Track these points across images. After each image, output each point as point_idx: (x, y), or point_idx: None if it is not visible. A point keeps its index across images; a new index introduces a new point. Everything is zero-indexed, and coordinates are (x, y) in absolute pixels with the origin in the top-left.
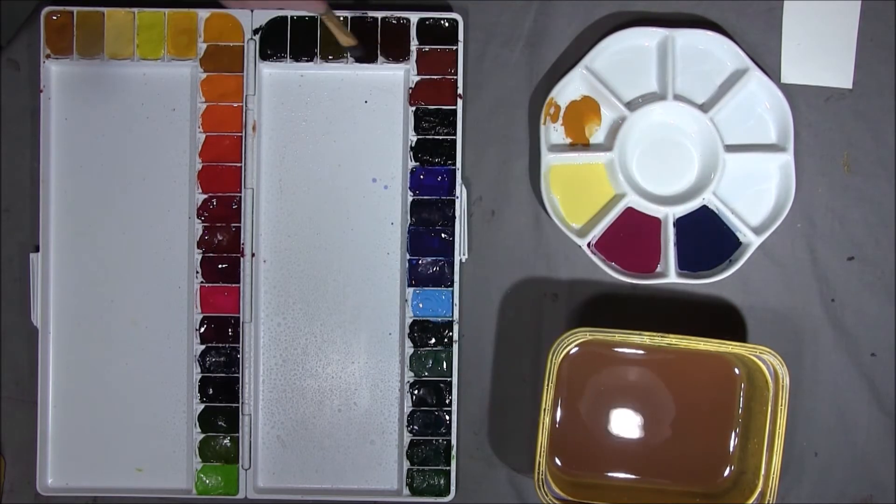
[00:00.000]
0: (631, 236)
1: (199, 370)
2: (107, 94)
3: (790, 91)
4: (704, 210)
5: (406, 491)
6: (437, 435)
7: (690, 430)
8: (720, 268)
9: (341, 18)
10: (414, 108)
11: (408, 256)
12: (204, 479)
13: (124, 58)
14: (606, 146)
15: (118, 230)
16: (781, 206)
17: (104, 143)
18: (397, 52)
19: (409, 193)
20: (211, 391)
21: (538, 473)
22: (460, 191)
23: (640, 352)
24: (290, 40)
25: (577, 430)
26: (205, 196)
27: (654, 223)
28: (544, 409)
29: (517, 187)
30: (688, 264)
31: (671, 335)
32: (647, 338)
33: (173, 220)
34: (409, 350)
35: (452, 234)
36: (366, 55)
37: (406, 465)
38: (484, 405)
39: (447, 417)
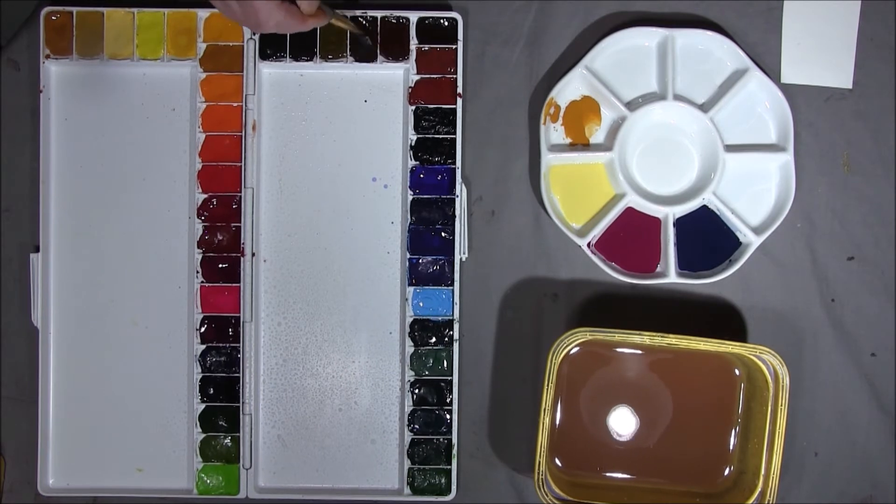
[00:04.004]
0: (631, 236)
1: (199, 370)
2: (107, 94)
3: (790, 91)
4: (704, 210)
5: (407, 490)
6: (437, 434)
7: (690, 431)
8: (720, 268)
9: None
10: (414, 108)
11: (408, 255)
12: (205, 478)
13: (124, 58)
14: (606, 146)
15: (118, 230)
16: (781, 206)
17: (104, 143)
18: (397, 52)
19: (409, 192)
20: (211, 391)
21: (538, 473)
22: (460, 189)
23: (640, 352)
24: (289, 40)
25: (577, 430)
26: (205, 196)
27: (654, 223)
28: (544, 409)
29: (517, 187)
30: (688, 264)
31: (671, 335)
32: (647, 338)
33: (173, 220)
34: (410, 349)
35: (452, 233)
36: (373, 48)
37: (407, 464)
38: (484, 405)
39: (448, 416)
